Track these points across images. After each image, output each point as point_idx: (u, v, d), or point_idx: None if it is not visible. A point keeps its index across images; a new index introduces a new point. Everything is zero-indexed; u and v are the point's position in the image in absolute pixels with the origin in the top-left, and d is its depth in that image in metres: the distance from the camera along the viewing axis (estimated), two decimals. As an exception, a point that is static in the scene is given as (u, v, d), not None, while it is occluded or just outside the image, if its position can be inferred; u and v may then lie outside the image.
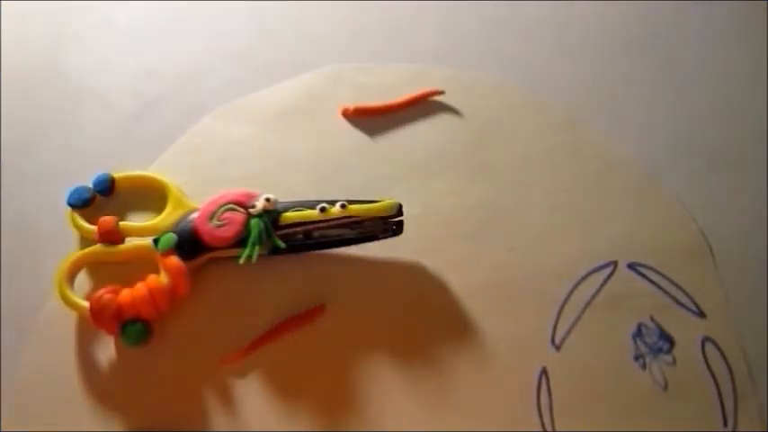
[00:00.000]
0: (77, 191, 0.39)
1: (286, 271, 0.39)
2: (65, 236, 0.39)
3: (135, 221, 0.39)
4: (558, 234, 0.40)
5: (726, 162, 0.43)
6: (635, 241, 0.40)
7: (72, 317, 0.37)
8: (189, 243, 0.37)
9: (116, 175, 0.40)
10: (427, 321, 0.38)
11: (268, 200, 0.37)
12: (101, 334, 0.37)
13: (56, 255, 0.38)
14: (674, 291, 0.39)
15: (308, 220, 0.37)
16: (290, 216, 0.37)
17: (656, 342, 0.38)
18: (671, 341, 0.38)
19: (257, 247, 0.37)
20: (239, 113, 0.44)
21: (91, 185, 0.40)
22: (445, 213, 0.41)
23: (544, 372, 0.37)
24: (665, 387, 0.37)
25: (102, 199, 0.40)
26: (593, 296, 0.39)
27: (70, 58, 0.46)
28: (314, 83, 0.45)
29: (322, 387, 0.36)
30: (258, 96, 0.44)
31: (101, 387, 0.36)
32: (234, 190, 0.38)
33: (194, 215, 0.38)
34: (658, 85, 0.46)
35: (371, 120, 0.43)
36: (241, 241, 0.37)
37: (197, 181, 0.41)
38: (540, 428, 0.36)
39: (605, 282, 0.39)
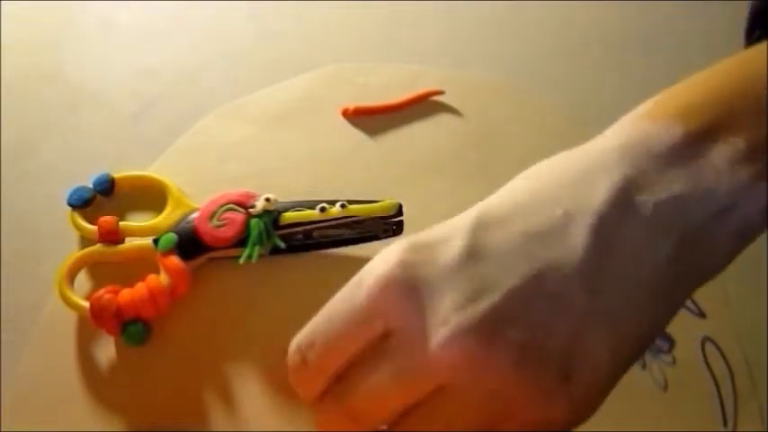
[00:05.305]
0: (77, 191, 0.39)
1: (286, 271, 0.39)
2: (65, 236, 0.39)
3: (135, 221, 0.39)
4: (558, 234, 0.40)
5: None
6: (635, 241, 0.40)
7: (72, 317, 0.37)
8: (189, 243, 0.37)
9: (116, 175, 0.40)
10: (427, 321, 0.38)
11: (268, 200, 0.37)
12: (101, 334, 0.37)
13: (56, 255, 0.38)
14: (673, 291, 0.39)
15: (308, 220, 0.37)
16: (290, 216, 0.37)
17: (655, 342, 0.38)
18: (671, 341, 0.38)
19: (257, 247, 0.37)
20: (239, 113, 0.44)
21: (91, 185, 0.40)
22: (445, 213, 0.41)
23: (544, 372, 0.37)
24: (665, 387, 0.37)
25: (102, 199, 0.40)
26: (593, 296, 0.39)
27: (70, 58, 0.46)
28: (314, 83, 0.45)
29: (322, 387, 0.36)
30: (258, 96, 0.44)
31: (101, 387, 0.36)
32: (234, 190, 0.38)
33: (194, 215, 0.38)
34: (658, 86, 0.46)
35: (371, 120, 0.43)
36: (241, 241, 0.37)
37: (197, 181, 0.41)
38: (540, 428, 0.36)
39: (605, 282, 0.39)
